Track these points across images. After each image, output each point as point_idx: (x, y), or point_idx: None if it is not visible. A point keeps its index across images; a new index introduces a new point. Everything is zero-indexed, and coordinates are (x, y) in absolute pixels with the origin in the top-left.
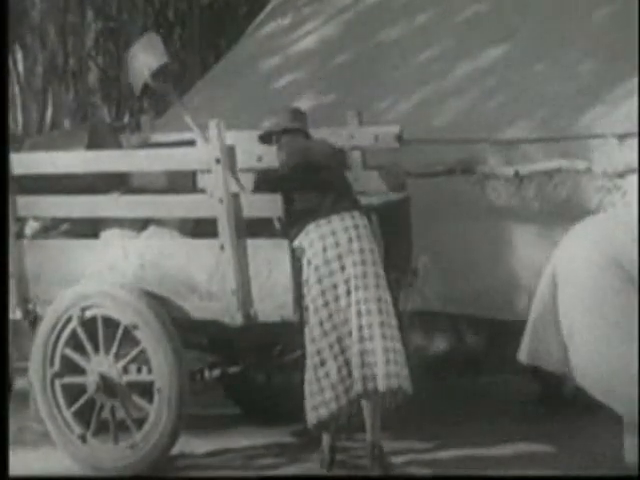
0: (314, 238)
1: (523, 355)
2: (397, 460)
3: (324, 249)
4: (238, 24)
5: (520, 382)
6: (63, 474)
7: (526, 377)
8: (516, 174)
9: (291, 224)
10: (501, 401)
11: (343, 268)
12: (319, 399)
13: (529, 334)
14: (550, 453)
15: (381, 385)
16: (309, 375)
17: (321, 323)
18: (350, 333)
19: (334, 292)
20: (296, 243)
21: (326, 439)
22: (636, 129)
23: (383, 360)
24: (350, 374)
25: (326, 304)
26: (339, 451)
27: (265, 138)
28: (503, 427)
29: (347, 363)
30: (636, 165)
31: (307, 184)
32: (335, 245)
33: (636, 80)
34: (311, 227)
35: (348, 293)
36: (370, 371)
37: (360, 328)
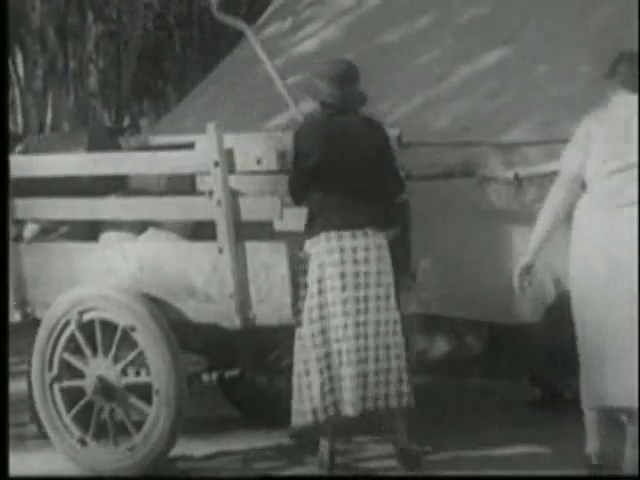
0: (322, 250)
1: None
2: (394, 463)
3: (330, 264)
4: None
5: (520, 385)
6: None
7: (526, 380)
8: (516, 177)
9: (307, 224)
10: (501, 404)
11: (344, 288)
12: (299, 407)
13: None
14: (550, 455)
15: (352, 409)
16: (294, 380)
17: (313, 335)
18: (340, 352)
19: (332, 309)
20: (306, 246)
21: (324, 442)
22: None
23: (373, 382)
24: (332, 391)
25: (321, 318)
26: (339, 453)
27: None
28: (503, 430)
29: (331, 380)
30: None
31: (331, 182)
32: (340, 263)
33: None
34: (322, 237)
35: (345, 314)
36: (356, 394)
37: (357, 350)
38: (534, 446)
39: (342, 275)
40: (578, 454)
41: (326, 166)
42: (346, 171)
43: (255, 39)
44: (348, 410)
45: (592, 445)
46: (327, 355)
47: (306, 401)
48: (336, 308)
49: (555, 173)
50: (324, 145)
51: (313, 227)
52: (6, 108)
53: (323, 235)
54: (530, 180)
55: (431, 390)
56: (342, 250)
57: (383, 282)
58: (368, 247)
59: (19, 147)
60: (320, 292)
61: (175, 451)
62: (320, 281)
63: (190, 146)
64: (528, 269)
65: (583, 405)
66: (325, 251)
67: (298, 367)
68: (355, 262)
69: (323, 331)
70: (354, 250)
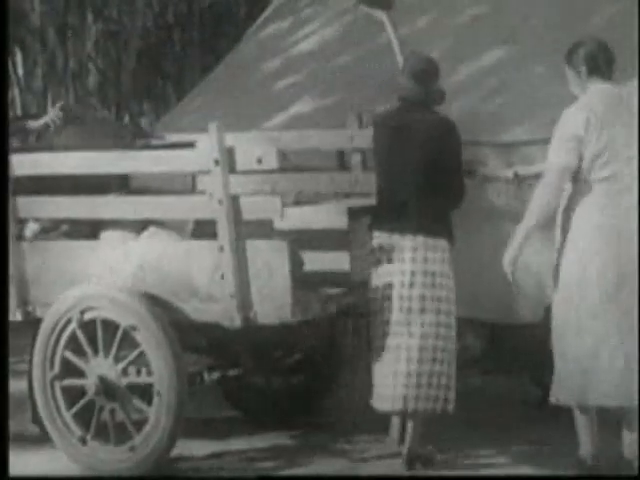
0: (375, 245)
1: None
2: (394, 463)
3: (399, 260)
4: (238, 26)
5: (520, 385)
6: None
7: (526, 380)
8: (516, 176)
9: (377, 218)
10: (501, 403)
11: (412, 285)
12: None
13: None
14: (549, 455)
15: (392, 405)
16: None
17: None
18: (399, 348)
19: (396, 303)
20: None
21: (396, 420)
22: None
23: (426, 383)
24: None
25: (381, 310)
26: (339, 454)
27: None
28: (503, 429)
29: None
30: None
31: (397, 176)
32: (411, 260)
33: (636, 82)
34: (376, 233)
35: (409, 310)
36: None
37: (419, 349)
38: (534, 446)
39: (412, 273)
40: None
41: (394, 160)
42: (412, 168)
43: (392, 28)
44: (386, 405)
45: (585, 446)
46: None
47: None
48: (403, 303)
49: None
50: (395, 139)
51: (384, 222)
52: (6, 108)
53: (376, 232)
54: (530, 179)
55: None
56: (414, 249)
57: (445, 284)
58: (436, 247)
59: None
60: (388, 286)
61: (175, 451)
62: (390, 274)
63: (190, 145)
64: (513, 263)
65: (572, 406)
66: (377, 247)
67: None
68: (425, 261)
69: (387, 322)
70: (423, 248)
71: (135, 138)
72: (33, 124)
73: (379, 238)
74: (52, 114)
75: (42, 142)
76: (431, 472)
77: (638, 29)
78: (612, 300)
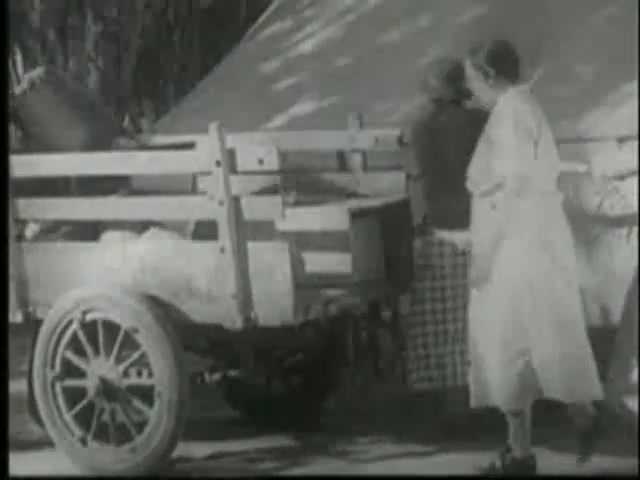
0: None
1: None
2: (399, 463)
3: (449, 254)
4: (238, 27)
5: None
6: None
7: None
8: None
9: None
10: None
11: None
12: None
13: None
14: (550, 454)
15: None
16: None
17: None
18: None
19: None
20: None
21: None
22: (636, 132)
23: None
24: None
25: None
26: (339, 455)
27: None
28: (503, 430)
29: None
30: (636, 168)
31: (446, 170)
32: (457, 253)
33: (636, 83)
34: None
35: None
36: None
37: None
38: (535, 446)
39: (442, 267)
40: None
41: (448, 158)
42: (461, 162)
43: None
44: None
45: (518, 449)
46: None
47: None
48: (456, 291)
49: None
50: (444, 139)
51: (437, 215)
52: (6, 108)
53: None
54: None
55: (434, 390)
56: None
57: None
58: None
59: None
60: (441, 277)
61: (176, 452)
62: (441, 267)
63: (191, 146)
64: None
65: (502, 408)
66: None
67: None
68: (450, 255)
69: (444, 311)
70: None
71: (115, 134)
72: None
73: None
74: (36, 72)
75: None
76: (432, 472)
77: (638, 29)
78: (511, 306)
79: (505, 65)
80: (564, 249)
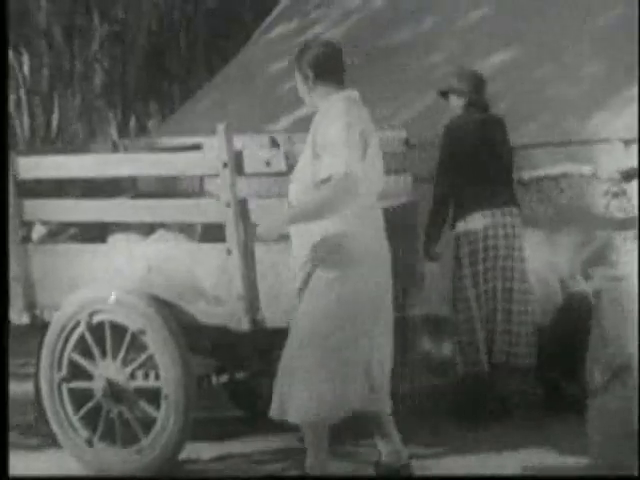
0: (477, 225)
1: None
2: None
3: (483, 238)
4: (245, 28)
5: (523, 385)
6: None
7: (530, 380)
8: (519, 180)
9: (458, 206)
10: (504, 405)
11: (495, 258)
12: None
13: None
14: (552, 455)
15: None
16: None
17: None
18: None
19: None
20: (459, 229)
21: None
22: None
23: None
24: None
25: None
26: (345, 457)
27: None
28: (506, 430)
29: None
30: None
31: (484, 167)
32: (494, 237)
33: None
34: (476, 215)
35: (494, 279)
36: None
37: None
38: (536, 447)
39: (495, 247)
40: (580, 454)
41: (482, 153)
42: (494, 158)
43: None
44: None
45: (310, 459)
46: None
47: None
48: (487, 275)
49: (564, 175)
50: (480, 137)
51: (467, 208)
52: (6, 108)
53: (478, 214)
54: (536, 182)
55: (436, 391)
56: (494, 226)
57: (523, 257)
58: (514, 224)
59: None
60: (473, 263)
61: (182, 453)
62: (473, 253)
63: (197, 147)
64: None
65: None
66: (481, 227)
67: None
68: (505, 236)
69: (478, 297)
70: (504, 226)
71: None
72: None
73: (485, 217)
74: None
75: None
76: (434, 473)
77: (638, 29)
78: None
79: (326, 70)
80: (383, 267)
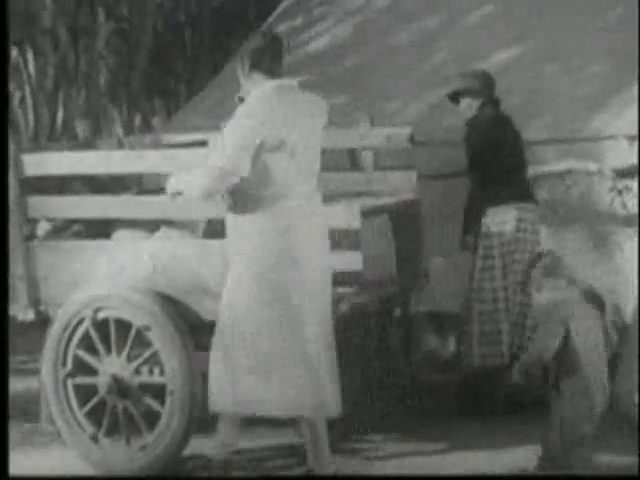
0: (502, 219)
1: None
2: (406, 462)
3: (508, 232)
4: (248, 26)
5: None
6: (73, 475)
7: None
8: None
9: (487, 204)
10: (509, 403)
11: (517, 252)
12: None
13: None
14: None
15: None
16: None
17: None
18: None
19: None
20: (488, 222)
21: None
22: None
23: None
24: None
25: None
26: (348, 453)
27: (453, 97)
28: (512, 427)
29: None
30: None
31: (509, 164)
32: (516, 230)
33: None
34: (501, 208)
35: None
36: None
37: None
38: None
39: (523, 240)
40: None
41: (507, 148)
42: (516, 153)
43: None
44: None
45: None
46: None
47: None
48: (513, 267)
49: (569, 172)
50: (503, 133)
51: (496, 202)
52: (6, 108)
53: (508, 207)
54: (542, 179)
55: (442, 389)
56: (523, 220)
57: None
58: (534, 220)
59: None
60: (503, 255)
61: (186, 449)
62: (503, 245)
63: (202, 144)
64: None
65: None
66: (512, 221)
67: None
68: (531, 231)
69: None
70: (529, 221)
71: None
72: None
73: (514, 211)
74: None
75: None
76: (440, 471)
77: (638, 29)
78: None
79: (262, 59)
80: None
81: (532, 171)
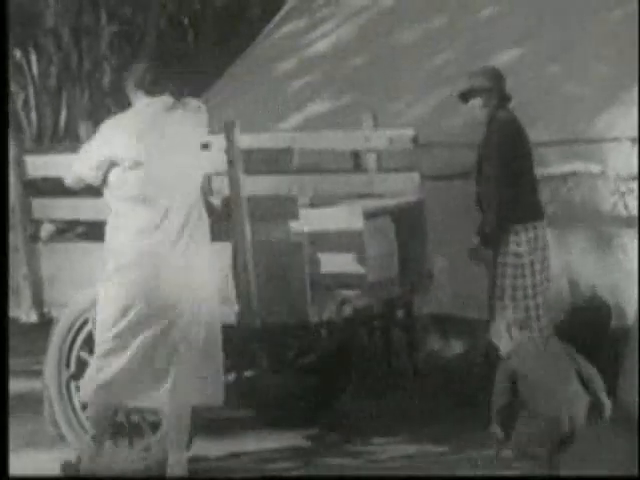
0: (524, 239)
1: None
2: (413, 463)
3: (528, 252)
4: (252, 26)
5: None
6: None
7: None
8: None
9: (508, 220)
10: None
11: (539, 272)
12: None
13: None
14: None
15: None
16: None
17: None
18: None
19: (530, 291)
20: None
21: None
22: None
23: None
24: None
25: (525, 298)
26: (353, 455)
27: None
28: None
29: None
30: None
31: (532, 174)
32: (534, 250)
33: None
34: (520, 227)
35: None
36: None
37: None
38: None
39: (532, 263)
40: (589, 455)
41: (529, 154)
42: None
43: None
44: None
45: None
46: None
47: None
48: (536, 289)
49: (573, 173)
50: (526, 136)
51: (522, 218)
52: (6, 107)
53: (531, 224)
54: (545, 180)
55: (445, 390)
56: (536, 238)
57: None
58: (545, 235)
59: None
60: (520, 276)
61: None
62: (520, 266)
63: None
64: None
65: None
66: (525, 240)
67: None
68: (542, 248)
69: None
70: (541, 238)
71: None
72: None
73: (531, 230)
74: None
75: None
76: (446, 472)
77: (638, 30)
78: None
79: (141, 77)
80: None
81: (536, 173)
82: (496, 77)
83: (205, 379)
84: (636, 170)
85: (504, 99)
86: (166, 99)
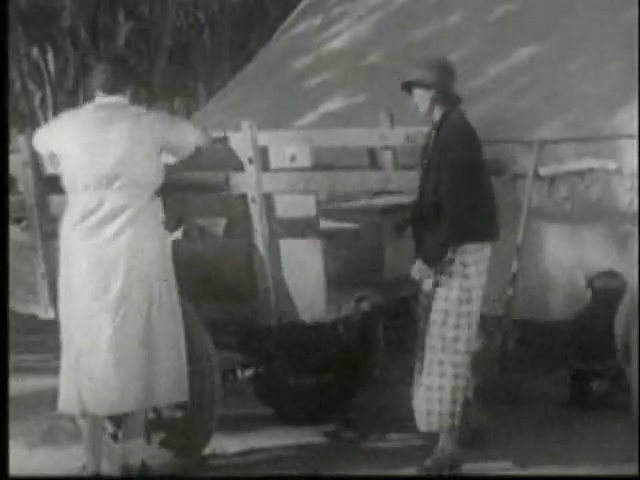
0: (480, 257)
1: None
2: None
3: (479, 272)
4: (268, 24)
5: (548, 383)
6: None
7: (555, 377)
8: (545, 175)
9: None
10: (529, 401)
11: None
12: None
13: None
14: (569, 454)
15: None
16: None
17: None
18: None
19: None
20: (459, 265)
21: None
22: None
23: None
24: None
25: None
26: (369, 453)
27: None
28: (530, 428)
29: None
30: None
31: (486, 187)
32: (485, 271)
33: None
34: (478, 247)
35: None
36: None
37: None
38: (560, 444)
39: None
40: (596, 452)
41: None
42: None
43: None
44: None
45: (87, 456)
46: None
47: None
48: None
49: (589, 170)
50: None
51: (472, 236)
52: (6, 108)
53: (480, 245)
54: (561, 178)
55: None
56: (485, 259)
57: None
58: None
59: None
60: (467, 301)
61: (206, 448)
62: (468, 290)
63: (221, 141)
64: None
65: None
66: (481, 259)
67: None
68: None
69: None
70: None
71: None
72: None
73: (478, 251)
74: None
75: None
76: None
77: (638, 30)
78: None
79: (100, 79)
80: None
81: (552, 170)
82: (441, 71)
83: (170, 375)
84: None
85: (452, 98)
86: (115, 99)
